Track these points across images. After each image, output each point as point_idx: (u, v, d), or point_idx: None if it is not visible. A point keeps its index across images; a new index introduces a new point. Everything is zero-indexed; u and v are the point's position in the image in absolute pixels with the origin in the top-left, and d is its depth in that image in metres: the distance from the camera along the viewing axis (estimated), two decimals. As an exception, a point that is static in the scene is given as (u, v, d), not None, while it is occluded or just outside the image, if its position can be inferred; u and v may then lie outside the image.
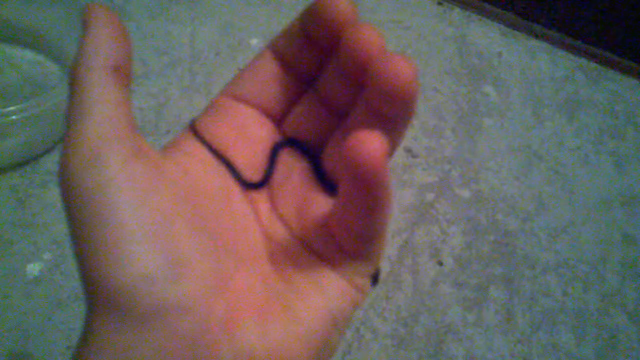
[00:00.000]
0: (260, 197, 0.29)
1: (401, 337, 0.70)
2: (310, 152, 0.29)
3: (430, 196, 0.83)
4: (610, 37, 1.05)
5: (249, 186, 0.29)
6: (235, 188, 0.29)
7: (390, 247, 0.77)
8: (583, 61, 1.05)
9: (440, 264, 0.76)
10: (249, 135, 0.29)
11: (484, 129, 0.92)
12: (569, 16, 1.06)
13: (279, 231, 0.28)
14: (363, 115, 0.26)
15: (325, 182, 0.29)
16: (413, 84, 0.23)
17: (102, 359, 0.22)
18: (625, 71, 1.05)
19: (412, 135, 0.89)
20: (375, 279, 0.28)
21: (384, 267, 0.75)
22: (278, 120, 0.30)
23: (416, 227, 0.79)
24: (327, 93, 0.29)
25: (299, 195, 0.29)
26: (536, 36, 1.07)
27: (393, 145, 0.26)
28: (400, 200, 0.81)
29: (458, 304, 0.74)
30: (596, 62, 1.05)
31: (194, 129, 0.29)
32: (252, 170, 0.29)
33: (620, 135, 0.96)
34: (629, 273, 0.81)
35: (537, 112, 0.96)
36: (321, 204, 0.28)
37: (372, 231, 0.25)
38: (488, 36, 1.06)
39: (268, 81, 0.29)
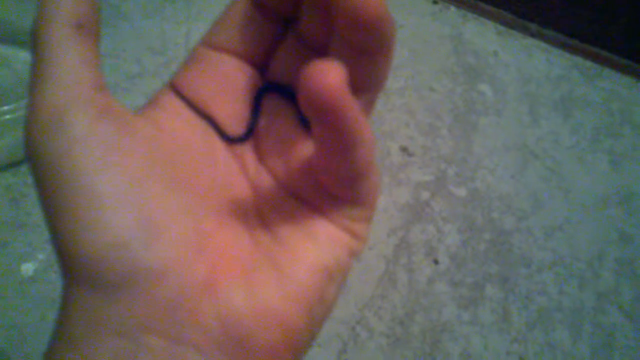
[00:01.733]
0: (246, 149, 0.27)
1: (397, 336, 0.70)
2: (295, 95, 0.26)
3: (426, 195, 0.83)
4: (606, 36, 1.05)
5: (231, 140, 0.27)
6: (219, 143, 0.27)
7: (385, 246, 0.76)
8: (579, 60, 1.05)
9: (436, 262, 0.76)
10: (231, 85, 0.28)
11: (480, 127, 0.92)
12: (565, 15, 1.06)
13: (266, 183, 0.26)
14: (338, 49, 0.24)
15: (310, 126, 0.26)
16: (380, 7, 0.21)
17: (78, 330, 0.21)
18: (621, 70, 1.05)
19: (408, 134, 0.88)
20: None
21: (379, 266, 0.74)
22: (260, 67, 0.28)
23: (412, 226, 0.79)
24: (307, 32, 0.26)
25: (284, 142, 0.27)
26: (532, 35, 1.07)
27: (375, 85, 0.25)
28: (396, 199, 0.81)
29: (454, 303, 0.74)
30: (592, 60, 1.05)
31: (171, 84, 0.27)
32: (237, 122, 0.27)
33: (616, 133, 0.96)
34: (625, 271, 0.81)
35: (533, 110, 0.96)
36: (307, 149, 0.26)
37: (354, 171, 0.23)
38: (484, 35, 1.05)
39: (246, 26, 0.27)
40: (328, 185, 0.24)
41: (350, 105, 0.20)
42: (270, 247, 0.24)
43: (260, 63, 0.28)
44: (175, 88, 0.27)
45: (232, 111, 0.27)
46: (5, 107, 0.67)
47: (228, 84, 0.27)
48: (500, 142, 0.91)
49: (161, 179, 0.23)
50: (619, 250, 0.83)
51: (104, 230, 0.21)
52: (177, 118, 0.26)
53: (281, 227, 0.25)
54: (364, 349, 0.68)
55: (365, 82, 0.24)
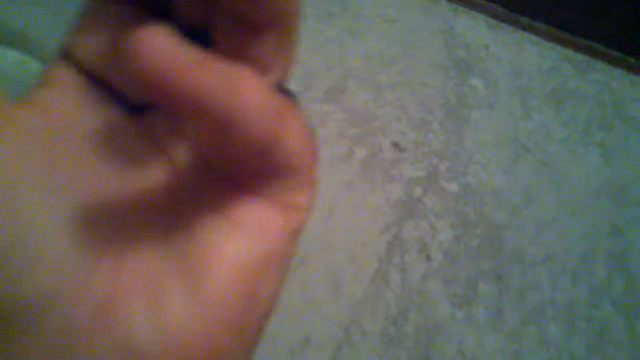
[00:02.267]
0: (159, 119, 0.22)
1: (391, 336, 0.69)
2: (203, 39, 0.21)
3: (418, 191, 0.82)
4: (597, 28, 1.05)
5: (134, 109, 0.22)
6: (122, 117, 0.22)
7: (378, 244, 0.76)
8: (570, 52, 1.05)
9: (429, 258, 0.76)
10: None
11: (472, 121, 0.91)
12: (556, 7, 1.05)
13: (183, 158, 0.22)
14: (221, 26, 0.20)
15: None
16: None
17: None
18: (613, 62, 1.04)
19: (400, 129, 0.88)
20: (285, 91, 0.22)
21: (372, 264, 0.74)
22: (163, 14, 0.23)
23: (405, 222, 0.78)
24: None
25: None
26: (523, 28, 1.07)
27: (273, 65, 0.21)
28: (389, 195, 0.80)
29: (447, 301, 0.73)
30: (584, 53, 1.05)
31: (63, 50, 0.22)
32: None
33: (608, 126, 0.96)
34: (617, 264, 0.80)
35: (524, 103, 0.96)
36: None
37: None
38: (475, 29, 1.05)
39: None
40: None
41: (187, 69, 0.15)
42: (183, 248, 0.20)
43: (161, 9, 0.23)
44: (67, 54, 0.22)
45: None
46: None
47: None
48: (492, 136, 0.90)
49: (40, 179, 0.18)
50: (611, 244, 0.82)
51: None
52: (69, 93, 0.21)
53: (197, 219, 0.20)
54: (358, 349, 0.68)
55: (260, 62, 0.20)
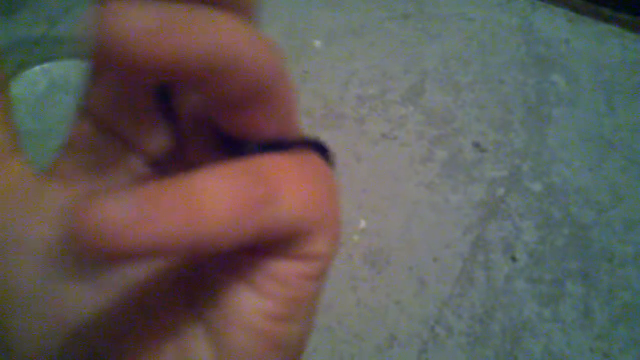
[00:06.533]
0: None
1: (477, 335, 0.70)
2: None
3: (500, 191, 0.82)
4: (685, 17, 1.01)
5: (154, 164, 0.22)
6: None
7: (461, 244, 0.77)
8: (656, 43, 1.02)
9: (514, 259, 0.76)
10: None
11: (554, 119, 0.90)
12: (640, -3, 1.02)
13: None
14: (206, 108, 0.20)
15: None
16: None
17: None
18: (703, 51, 1.00)
19: (480, 129, 0.88)
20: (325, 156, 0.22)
21: (456, 264, 0.75)
22: None
23: (487, 223, 0.79)
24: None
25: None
26: (605, 20, 1.04)
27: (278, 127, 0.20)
28: (470, 197, 0.81)
29: (534, 300, 0.73)
30: (670, 43, 1.01)
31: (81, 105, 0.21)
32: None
33: (699, 119, 0.93)
34: None
35: (608, 99, 0.94)
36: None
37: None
38: (554, 23, 1.03)
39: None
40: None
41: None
42: (207, 306, 0.20)
43: None
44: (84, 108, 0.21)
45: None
46: None
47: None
48: (576, 133, 0.89)
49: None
50: None
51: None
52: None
53: (217, 281, 0.20)
54: (444, 348, 0.69)
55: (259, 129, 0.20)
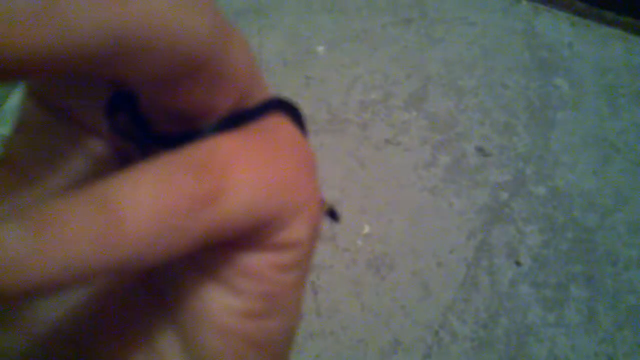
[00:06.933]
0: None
1: (481, 339, 0.70)
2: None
3: (504, 195, 0.82)
4: (688, 20, 1.01)
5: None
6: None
7: (465, 249, 0.77)
8: (660, 46, 1.02)
9: (518, 263, 0.76)
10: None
11: (557, 123, 0.90)
12: (643, 0, 1.02)
13: None
14: None
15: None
16: None
17: None
18: None
19: (483, 133, 0.88)
20: (332, 215, 0.21)
21: (460, 269, 0.75)
22: None
23: (491, 228, 0.79)
24: None
25: None
26: (608, 23, 1.04)
27: None
28: (474, 201, 0.81)
29: (538, 304, 0.73)
30: (674, 46, 1.01)
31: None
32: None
33: None
34: None
35: (612, 102, 0.94)
36: None
37: None
38: (557, 27, 1.03)
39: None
40: None
41: None
42: (175, 306, 0.19)
43: None
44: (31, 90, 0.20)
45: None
46: None
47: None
48: (579, 137, 0.89)
49: None
50: None
51: None
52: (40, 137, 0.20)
53: (184, 280, 0.19)
54: (448, 352, 0.69)
55: None
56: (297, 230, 0.17)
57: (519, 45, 1.00)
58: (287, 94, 0.90)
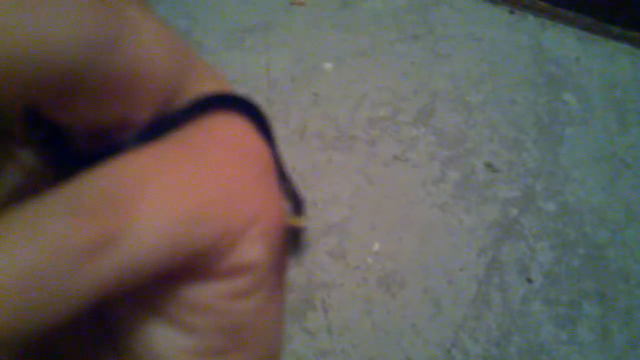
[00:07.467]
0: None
1: (494, 358, 0.69)
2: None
3: (514, 211, 0.82)
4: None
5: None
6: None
7: (476, 266, 0.76)
8: (667, 60, 1.01)
9: (530, 281, 0.75)
10: None
11: (566, 138, 0.90)
12: (650, 15, 1.02)
13: None
14: None
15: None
16: None
17: None
18: None
19: (492, 149, 0.88)
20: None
21: (471, 287, 0.74)
22: None
23: (502, 244, 0.78)
24: None
25: None
26: (615, 38, 1.04)
27: None
28: (484, 217, 0.81)
29: (550, 322, 0.73)
30: (682, 60, 1.01)
31: None
32: None
33: None
34: None
35: (621, 117, 0.93)
36: None
37: None
38: (564, 42, 1.03)
39: None
40: None
41: None
42: (121, 346, 0.16)
43: None
44: None
45: None
46: None
47: None
48: (589, 152, 0.89)
49: None
50: None
51: None
52: None
53: (129, 315, 0.16)
54: (461, 371, 0.68)
55: None
56: (248, 251, 0.15)
57: (526, 61, 1.00)
58: (294, 111, 0.91)
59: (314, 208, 0.81)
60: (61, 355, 0.17)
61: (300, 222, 0.17)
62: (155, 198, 0.12)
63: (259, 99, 0.94)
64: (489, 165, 0.86)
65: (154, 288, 0.15)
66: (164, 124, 0.14)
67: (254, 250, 0.15)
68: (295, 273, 0.75)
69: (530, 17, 1.06)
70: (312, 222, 0.80)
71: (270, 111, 0.90)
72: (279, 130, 0.88)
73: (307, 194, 0.82)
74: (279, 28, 1.01)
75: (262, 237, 0.15)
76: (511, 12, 1.07)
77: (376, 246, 0.79)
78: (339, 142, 0.89)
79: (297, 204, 0.18)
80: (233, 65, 0.96)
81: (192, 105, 0.15)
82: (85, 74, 0.12)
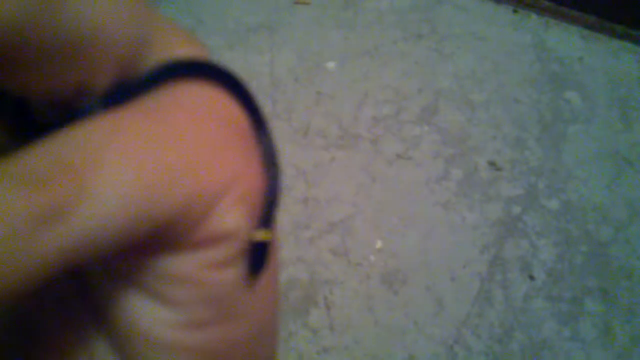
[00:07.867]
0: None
1: (496, 354, 0.70)
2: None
3: (517, 209, 0.82)
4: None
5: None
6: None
7: (479, 263, 0.76)
8: (671, 59, 1.01)
9: (532, 278, 0.76)
10: None
11: (569, 136, 0.90)
12: (653, 13, 1.02)
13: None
14: None
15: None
16: None
17: None
18: None
19: (495, 147, 0.88)
20: (255, 259, 0.16)
21: (474, 284, 0.75)
22: None
23: (505, 242, 0.79)
24: None
25: None
26: (618, 37, 1.04)
27: None
28: (487, 215, 0.81)
29: (553, 319, 0.73)
30: (685, 58, 1.01)
31: None
32: None
33: None
34: None
35: (624, 115, 0.94)
36: None
37: None
38: (567, 41, 1.03)
39: None
40: None
41: None
42: (104, 319, 0.16)
43: None
44: None
45: None
46: None
47: None
48: (592, 150, 0.89)
49: None
50: None
51: None
52: None
53: (109, 290, 0.16)
54: (463, 368, 0.69)
55: None
56: (224, 218, 0.14)
57: (530, 59, 1.00)
58: (298, 109, 0.91)
59: (317, 206, 0.81)
60: (43, 331, 0.17)
61: (267, 236, 0.16)
62: (114, 164, 0.12)
63: (262, 97, 0.94)
64: (492, 164, 0.86)
65: (130, 259, 0.14)
66: (127, 90, 0.14)
67: (230, 217, 0.14)
68: (298, 270, 0.76)
69: (534, 16, 1.06)
70: (314, 220, 0.80)
71: (274, 110, 0.91)
72: (283, 129, 0.88)
73: (310, 192, 0.82)
74: (282, 27, 1.01)
75: (238, 204, 0.14)
76: (515, 11, 1.07)
77: (379, 244, 0.79)
78: (342, 141, 0.89)
79: (268, 208, 0.16)
80: (237, 64, 0.96)
81: (158, 71, 0.14)
82: (25, 35, 0.11)
